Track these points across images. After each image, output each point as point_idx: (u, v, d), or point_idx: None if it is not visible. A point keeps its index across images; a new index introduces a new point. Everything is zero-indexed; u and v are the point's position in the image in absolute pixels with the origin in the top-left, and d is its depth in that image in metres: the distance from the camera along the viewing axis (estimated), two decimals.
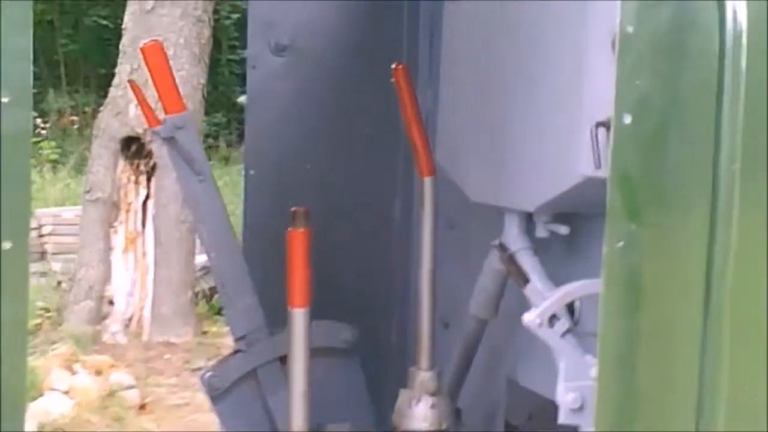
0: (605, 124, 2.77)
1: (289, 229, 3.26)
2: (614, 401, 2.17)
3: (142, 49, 3.74)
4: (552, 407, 4.31)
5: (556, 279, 3.23)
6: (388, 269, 4.53)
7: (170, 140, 3.77)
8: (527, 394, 4.07)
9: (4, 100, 1.81)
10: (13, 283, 1.83)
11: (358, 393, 4.07)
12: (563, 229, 3.21)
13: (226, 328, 11.63)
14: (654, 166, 2.14)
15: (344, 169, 4.41)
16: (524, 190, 3.26)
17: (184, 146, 3.78)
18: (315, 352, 3.61)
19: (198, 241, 11.78)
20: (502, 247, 3.15)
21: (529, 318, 2.84)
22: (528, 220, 3.36)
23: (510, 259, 3.10)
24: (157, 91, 3.78)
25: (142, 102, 3.83)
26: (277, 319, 4.00)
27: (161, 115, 3.77)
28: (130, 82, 4.77)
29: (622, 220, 2.14)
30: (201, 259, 11.76)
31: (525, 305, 3.60)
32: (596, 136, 2.75)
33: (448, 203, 3.85)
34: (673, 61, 2.12)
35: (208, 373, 3.88)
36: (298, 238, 3.24)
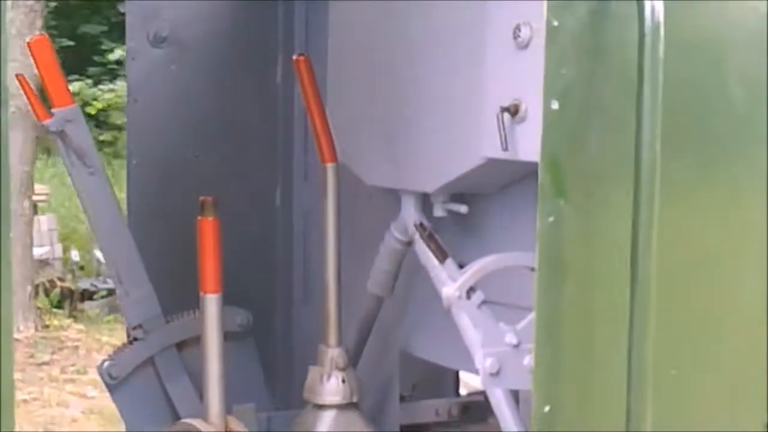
0: (509, 109, 2.98)
1: (199, 217, 3.33)
2: (547, 371, 2.36)
3: (28, 44, 3.74)
4: (434, 377, 4.56)
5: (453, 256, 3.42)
6: (271, 254, 4.64)
7: (60, 133, 3.77)
8: (413, 365, 4.28)
9: None
10: None
11: (254, 375, 4.18)
12: (463, 209, 3.40)
13: (68, 321, 11.44)
14: (580, 148, 2.34)
15: (224, 158, 4.48)
16: (422, 172, 3.43)
17: (75, 139, 3.79)
18: None
19: (36, 235, 11.54)
20: (422, 226, 3.32)
21: (449, 291, 3.01)
22: (424, 201, 3.53)
23: (430, 237, 3.27)
24: (44, 84, 3.78)
25: (30, 95, 3.81)
26: (167, 307, 4.09)
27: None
28: (18, 76, 4.69)
29: (552, 198, 2.34)
30: (39, 251, 11.52)
31: (415, 283, 3.81)
32: (502, 120, 2.95)
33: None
34: (595, 51, 2.33)
35: (106, 363, 3.91)
36: (208, 226, 3.32)
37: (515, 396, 3.30)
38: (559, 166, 2.34)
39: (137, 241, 4.04)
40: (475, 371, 3.71)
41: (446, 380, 4.63)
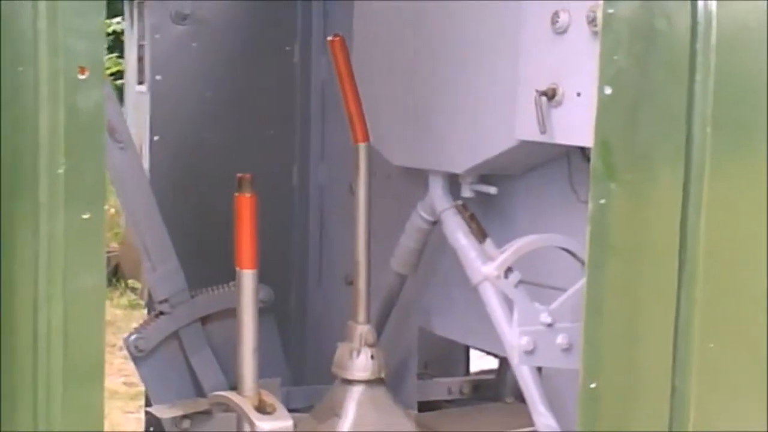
0: (546, 93, 3.05)
1: (235, 194, 3.39)
2: (594, 349, 2.44)
3: None
4: (446, 356, 4.65)
5: None
6: (288, 233, 4.71)
7: None
8: (426, 344, 4.37)
9: (82, 77, 1.90)
10: (92, 253, 1.94)
11: (274, 350, 4.27)
12: (492, 190, 3.48)
13: None
14: (631, 132, 2.42)
15: (244, 136, 4.54)
16: (452, 153, 3.51)
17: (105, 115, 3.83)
18: (233, 312, 3.73)
19: None
20: (465, 207, 3.39)
21: (488, 270, 3.09)
22: (452, 181, 3.61)
23: (471, 217, 3.34)
24: None
25: None
26: (191, 282, 4.15)
27: None
28: None
29: (604, 180, 2.42)
30: None
31: (437, 262, 3.90)
32: (540, 104, 3.03)
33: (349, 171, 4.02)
34: (648, 38, 2.40)
35: (133, 336, 3.98)
36: (244, 203, 3.38)
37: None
38: (610, 150, 2.42)
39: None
40: (493, 349, 3.83)
41: (457, 359, 4.73)
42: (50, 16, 1.92)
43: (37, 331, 1.92)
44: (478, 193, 3.56)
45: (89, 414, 2.02)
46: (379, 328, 3.96)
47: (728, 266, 2.50)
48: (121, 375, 8.49)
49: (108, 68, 17.12)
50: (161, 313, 4.02)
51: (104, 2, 1.93)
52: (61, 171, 1.85)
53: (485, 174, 3.55)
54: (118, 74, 16.75)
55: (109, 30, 18.00)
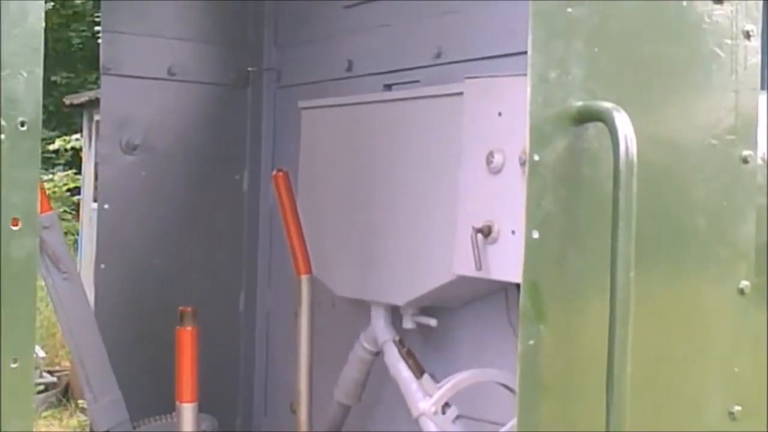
0: (482, 230, 3.13)
1: (177, 327, 3.41)
2: None
3: None
4: None
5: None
6: (234, 359, 4.72)
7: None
8: None
9: (14, 228, 1.95)
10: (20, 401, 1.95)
11: None
12: (432, 322, 3.52)
13: None
14: (559, 273, 2.49)
15: (192, 263, 4.58)
16: (393, 286, 3.56)
17: (51, 245, 3.87)
18: None
19: None
20: (401, 342, 3.43)
21: (425, 406, 3.12)
22: (394, 312, 3.66)
23: (408, 353, 3.38)
24: None
25: None
26: (134, 413, 4.13)
27: None
28: None
29: (533, 322, 2.47)
30: None
31: (382, 392, 3.92)
32: (476, 241, 3.10)
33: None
34: (573, 184, 2.49)
35: None
36: (186, 336, 3.40)
37: None
38: (539, 291, 2.48)
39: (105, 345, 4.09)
40: None
41: None
42: None
43: None
44: (419, 325, 3.61)
45: None
46: None
47: (655, 401, 2.56)
48: None
49: (65, 184, 17.16)
50: None
51: (39, 154, 1.99)
52: None
53: (426, 306, 3.60)
54: (75, 190, 16.77)
55: (68, 146, 18.11)
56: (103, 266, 4.42)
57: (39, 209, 3.75)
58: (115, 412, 4.00)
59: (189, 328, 3.40)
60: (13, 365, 1.94)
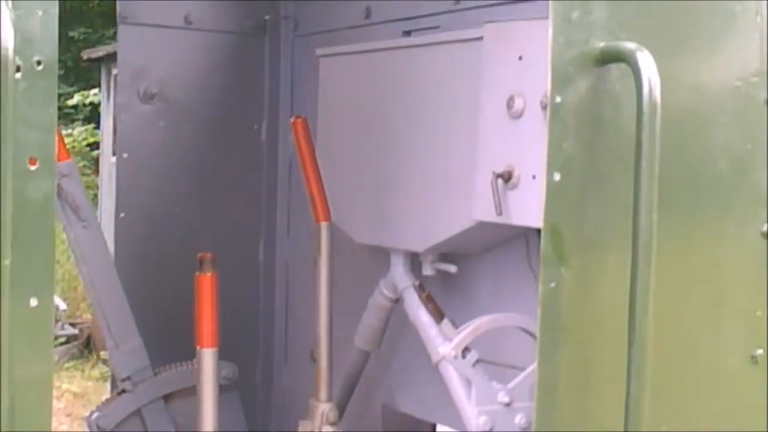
0: (503, 175, 3.11)
1: (197, 273, 3.42)
2: (548, 427, 2.47)
3: None
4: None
5: None
6: (254, 309, 4.73)
7: (56, 187, 3.84)
8: (392, 420, 4.37)
9: (32, 168, 1.94)
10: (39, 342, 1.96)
11: (239, 427, 4.25)
12: (452, 268, 3.51)
13: None
14: (580, 216, 2.47)
15: (211, 212, 4.58)
16: (413, 232, 3.55)
17: (70, 193, 3.87)
18: (195, 390, 3.73)
19: None
20: (421, 287, 3.43)
21: (445, 350, 3.12)
22: (413, 259, 3.65)
23: (428, 298, 3.37)
24: None
25: None
26: (154, 360, 4.15)
27: None
28: None
29: (554, 264, 2.46)
30: None
31: (400, 339, 3.92)
32: (497, 186, 3.08)
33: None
34: (595, 125, 2.47)
35: (95, 414, 3.96)
36: (206, 282, 3.41)
37: None
38: (560, 235, 2.47)
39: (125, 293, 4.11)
40: (457, 427, 3.83)
41: None
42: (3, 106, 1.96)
43: None
44: (439, 272, 3.60)
45: None
46: (343, 405, 3.97)
47: (676, 346, 2.55)
48: None
49: (84, 139, 17.21)
50: (123, 390, 4.01)
51: (56, 94, 1.97)
52: (7, 262, 1.87)
53: (446, 252, 3.59)
54: (95, 145, 16.81)
55: (86, 101, 18.13)
56: (122, 215, 4.41)
57: (57, 156, 3.85)
58: (136, 359, 4.02)
59: (208, 274, 3.40)
60: (33, 304, 1.94)
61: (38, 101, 1.96)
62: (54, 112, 1.98)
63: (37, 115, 1.96)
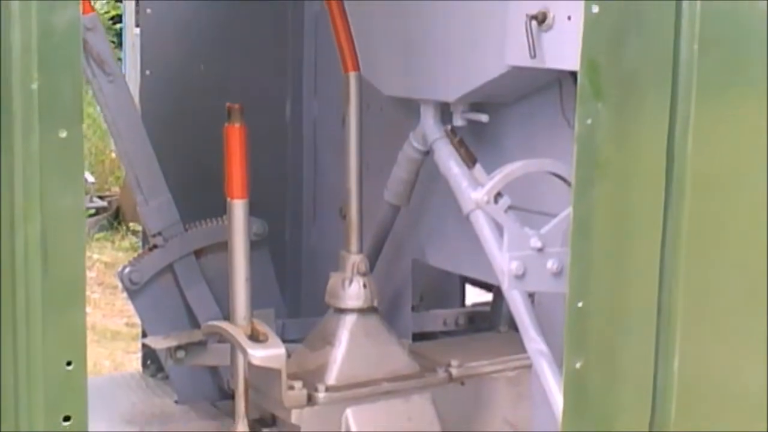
0: (537, 17, 3.02)
1: (225, 124, 3.38)
2: (581, 269, 2.45)
3: None
4: (441, 288, 4.66)
5: None
6: (281, 167, 4.70)
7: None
8: (421, 276, 4.38)
9: None
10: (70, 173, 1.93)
11: (269, 282, 4.27)
12: (484, 117, 3.45)
13: None
14: (618, 51, 2.40)
15: (236, 69, 4.52)
16: (443, 81, 3.48)
17: (95, 47, 3.82)
18: (226, 245, 3.72)
19: None
20: (453, 131, 3.37)
21: (477, 196, 3.08)
22: (443, 110, 3.59)
23: (460, 142, 3.32)
24: None
25: None
26: (185, 215, 4.15)
27: None
28: None
29: (591, 100, 2.40)
30: None
31: (431, 193, 3.89)
32: (530, 28, 3.00)
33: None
34: None
35: (127, 269, 3.99)
36: (234, 133, 3.36)
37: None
38: (597, 70, 2.40)
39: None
40: (489, 278, 3.82)
41: (453, 292, 4.74)
42: None
43: (14, 251, 1.91)
44: (470, 122, 3.54)
45: (71, 336, 2.02)
46: (373, 260, 3.96)
47: (715, 185, 2.50)
48: (123, 316, 8.54)
49: (107, 12, 17.03)
50: (155, 246, 4.02)
51: None
52: (34, 86, 1.83)
53: (477, 102, 3.53)
54: (117, 18, 16.66)
55: None
56: (148, 72, 4.37)
57: (82, 8, 3.78)
58: (166, 213, 4.02)
59: (237, 125, 3.36)
60: (62, 135, 1.90)
61: None
62: None
63: None
